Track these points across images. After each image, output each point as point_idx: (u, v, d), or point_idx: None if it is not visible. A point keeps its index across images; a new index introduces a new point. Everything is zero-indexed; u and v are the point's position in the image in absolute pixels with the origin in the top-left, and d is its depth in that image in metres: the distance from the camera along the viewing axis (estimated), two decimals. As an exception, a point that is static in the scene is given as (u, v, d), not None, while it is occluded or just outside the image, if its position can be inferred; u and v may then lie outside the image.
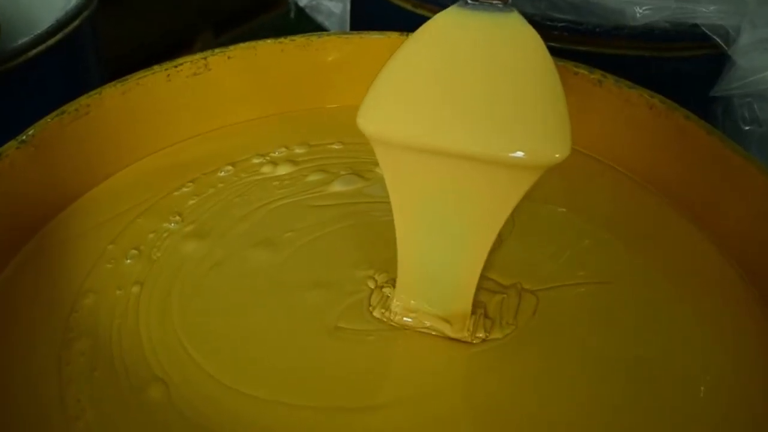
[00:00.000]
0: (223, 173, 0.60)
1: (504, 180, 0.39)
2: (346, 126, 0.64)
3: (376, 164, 0.59)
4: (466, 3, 0.40)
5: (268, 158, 0.62)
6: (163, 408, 0.41)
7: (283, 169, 0.60)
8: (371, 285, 0.49)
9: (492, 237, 0.42)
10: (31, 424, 0.41)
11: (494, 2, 0.39)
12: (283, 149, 0.63)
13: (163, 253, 0.52)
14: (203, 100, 0.62)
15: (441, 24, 0.40)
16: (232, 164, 0.61)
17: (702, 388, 0.43)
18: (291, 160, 0.61)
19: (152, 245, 0.52)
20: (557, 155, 0.37)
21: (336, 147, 0.63)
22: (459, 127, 0.38)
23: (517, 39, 0.39)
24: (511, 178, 0.39)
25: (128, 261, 0.51)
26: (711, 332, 0.47)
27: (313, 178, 0.59)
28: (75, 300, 0.48)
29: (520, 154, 0.37)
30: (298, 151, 0.63)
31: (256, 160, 0.61)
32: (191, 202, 0.56)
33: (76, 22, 0.67)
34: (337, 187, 0.58)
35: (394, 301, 0.47)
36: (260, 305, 0.48)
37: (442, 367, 0.44)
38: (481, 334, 0.45)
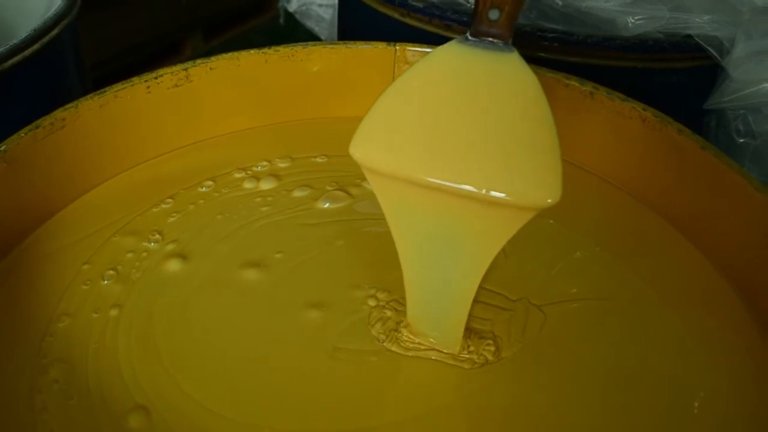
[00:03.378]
0: (203, 189, 0.58)
1: (495, 218, 0.38)
2: (330, 138, 0.64)
3: (364, 179, 0.58)
4: (467, 39, 0.39)
5: (250, 172, 0.60)
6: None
7: (266, 184, 0.59)
8: (372, 303, 0.48)
9: (485, 267, 0.41)
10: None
11: (495, 41, 0.38)
12: (266, 163, 0.61)
13: (143, 273, 0.50)
14: (184, 113, 0.61)
15: (440, 58, 0.39)
16: (213, 179, 0.59)
17: (696, 403, 0.42)
18: (274, 175, 0.60)
19: (131, 265, 0.50)
20: (549, 200, 0.36)
21: (320, 160, 0.62)
22: (449, 163, 0.37)
23: (515, 80, 0.38)
24: (502, 217, 0.38)
25: (105, 282, 0.49)
26: (707, 348, 0.46)
27: (298, 194, 0.58)
28: (49, 323, 0.46)
29: (509, 196, 0.36)
30: (281, 165, 0.61)
31: (237, 175, 0.60)
32: (171, 219, 0.55)
33: (55, 31, 0.65)
34: (324, 204, 0.57)
35: (404, 325, 0.46)
36: (252, 328, 0.46)
37: (445, 387, 0.43)
38: (491, 357, 0.44)
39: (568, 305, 0.48)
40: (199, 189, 0.58)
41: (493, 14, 0.38)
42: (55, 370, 0.43)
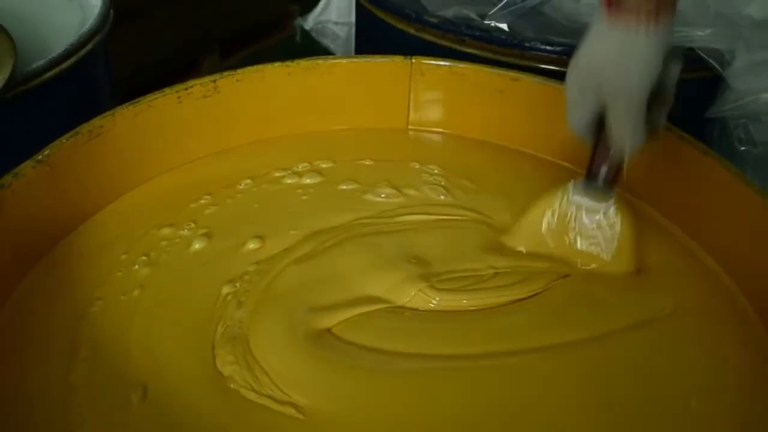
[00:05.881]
0: (242, 185, 0.61)
1: None
2: (370, 145, 0.66)
3: (422, 182, 0.61)
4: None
5: (290, 171, 0.62)
6: (143, 415, 0.42)
7: (309, 179, 0.61)
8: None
9: None
10: (38, 425, 0.42)
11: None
12: (307, 164, 0.63)
13: (170, 256, 0.53)
14: (214, 122, 0.64)
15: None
16: (252, 178, 0.62)
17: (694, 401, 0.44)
18: (317, 172, 0.62)
19: (162, 250, 0.54)
20: None
21: (368, 163, 0.64)
22: None
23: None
24: None
25: (136, 267, 0.52)
26: (705, 344, 0.48)
27: (345, 187, 0.60)
28: (85, 308, 0.49)
29: None
30: (324, 165, 0.63)
31: (277, 174, 0.62)
32: (208, 211, 0.58)
33: (89, 47, 0.69)
34: (370, 197, 0.59)
35: None
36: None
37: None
38: None
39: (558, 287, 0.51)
40: (238, 186, 0.61)
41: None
42: (85, 351, 0.46)
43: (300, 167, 0.63)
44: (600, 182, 0.53)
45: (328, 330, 0.47)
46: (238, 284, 0.51)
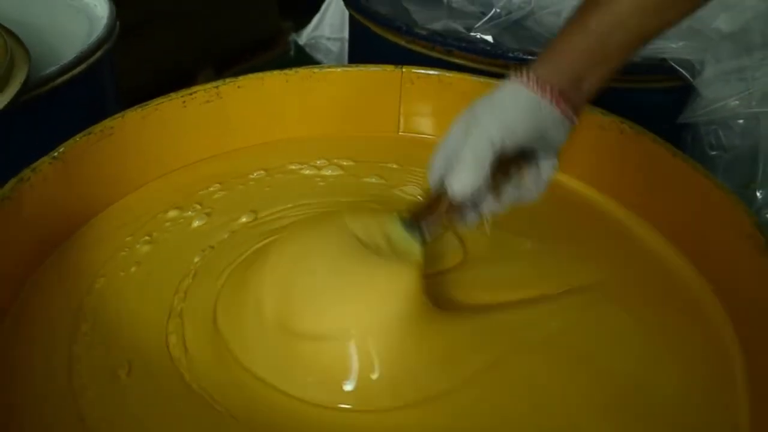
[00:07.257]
0: (255, 175, 0.63)
1: None
2: (391, 150, 0.68)
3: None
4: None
5: (306, 165, 0.65)
6: (130, 389, 0.45)
7: (329, 171, 0.64)
8: None
9: None
10: (45, 396, 0.45)
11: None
12: (325, 161, 0.66)
13: (170, 234, 0.57)
14: (217, 125, 0.67)
15: None
16: (265, 170, 0.64)
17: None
18: (338, 166, 0.64)
19: (165, 230, 0.57)
20: None
21: (394, 167, 0.66)
22: None
23: None
24: None
25: (138, 246, 0.56)
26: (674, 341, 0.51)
27: (370, 180, 0.61)
28: (90, 284, 0.53)
29: None
30: (344, 163, 0.65)
31: (293, 167, 0.64)
32: (216, 196, 0.61)
33: (98, 54, 0.73)
34: (398, 192, 0.61)
35: None
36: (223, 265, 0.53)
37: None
38: None
39: (556, 301, 0.53)
40: (250, 176, 0.64)
41: None
42: (87, 324, 0.50)
43: (318, 162, 0.66)
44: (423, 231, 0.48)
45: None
46: (206, 252, 0.54)
